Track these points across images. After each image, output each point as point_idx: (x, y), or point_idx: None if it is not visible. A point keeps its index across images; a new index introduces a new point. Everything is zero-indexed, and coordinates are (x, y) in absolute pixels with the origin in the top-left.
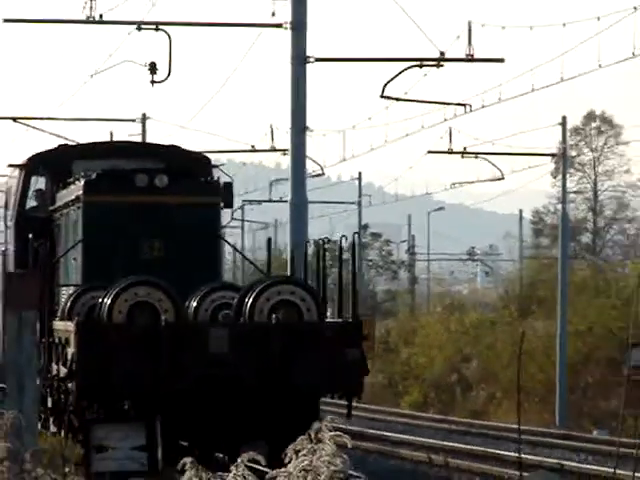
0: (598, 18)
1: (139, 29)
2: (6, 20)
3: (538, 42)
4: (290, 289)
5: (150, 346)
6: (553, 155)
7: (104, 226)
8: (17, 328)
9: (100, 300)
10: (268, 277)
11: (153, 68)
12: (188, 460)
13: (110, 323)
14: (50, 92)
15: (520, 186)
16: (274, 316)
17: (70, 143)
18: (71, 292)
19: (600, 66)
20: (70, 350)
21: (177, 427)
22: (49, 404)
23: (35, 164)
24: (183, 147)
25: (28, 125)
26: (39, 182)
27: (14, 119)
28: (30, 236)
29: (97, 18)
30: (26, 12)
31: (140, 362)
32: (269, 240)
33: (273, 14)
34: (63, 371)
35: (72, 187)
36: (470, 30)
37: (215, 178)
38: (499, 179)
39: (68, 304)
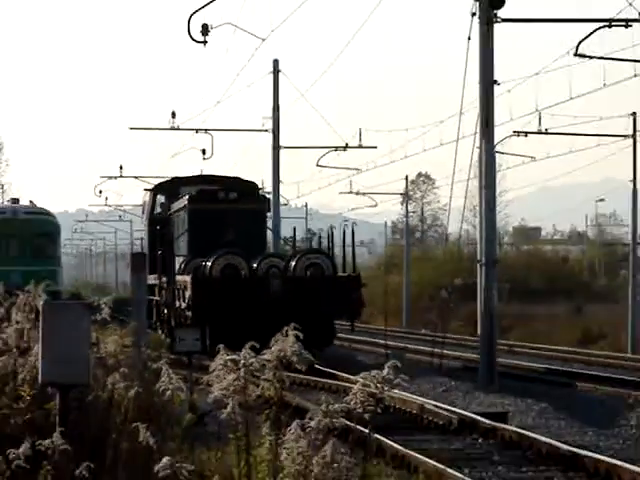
0: None
1: (197, 132)
2: (132, 128)
3: None
4: (317, 256)
5: (234, 290)
6: (402, 194)
7: (200, 222)
8: (137, 282)
9: (203, 263)
10: (303, 249)
11: (204, 152)
12: (221, 346)
13: (210, 277)
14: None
15: (385, 208)
16: (307, 272)
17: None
18: (181, 260)
19: None
20: (187, 293)
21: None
22: (172, 323)
23: (158, 188)
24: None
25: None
26: (161, 199)
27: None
28: (157, 228)
29: (177, 126)
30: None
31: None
32: (294, 229)
33: None
34: (183, 305)
35: (181, 200)
36: None
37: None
38: (375, 205)
39: (182, 266)
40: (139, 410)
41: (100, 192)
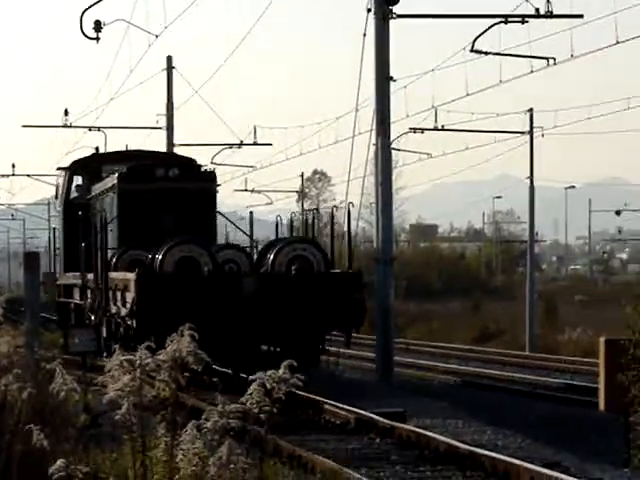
0: None
1: (90, 129)
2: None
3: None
4: (304, 246)
5: (194, 291)
6: (297, 192)
7: (133, 206)
8: (30, 282)
9: (149, 256)
10: (284, 238)
11: (97, 149)
12: (117, 346)
13: (162, 273)
14: None
15: (282, 206)
16: (292, 268)
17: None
18: (111, 253)
19: None
20: (130, 295)
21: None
22: (103, 333)
23: (76, 167)
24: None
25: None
26: (79, 180)
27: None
28: (79, 214)
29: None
30: None
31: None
32: (251, 213)
33: None
34: (124, 311)
35: (107, 179)
36: None
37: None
38: (270, 203)
39: (113, 260)
40: (33, 411)
41: None
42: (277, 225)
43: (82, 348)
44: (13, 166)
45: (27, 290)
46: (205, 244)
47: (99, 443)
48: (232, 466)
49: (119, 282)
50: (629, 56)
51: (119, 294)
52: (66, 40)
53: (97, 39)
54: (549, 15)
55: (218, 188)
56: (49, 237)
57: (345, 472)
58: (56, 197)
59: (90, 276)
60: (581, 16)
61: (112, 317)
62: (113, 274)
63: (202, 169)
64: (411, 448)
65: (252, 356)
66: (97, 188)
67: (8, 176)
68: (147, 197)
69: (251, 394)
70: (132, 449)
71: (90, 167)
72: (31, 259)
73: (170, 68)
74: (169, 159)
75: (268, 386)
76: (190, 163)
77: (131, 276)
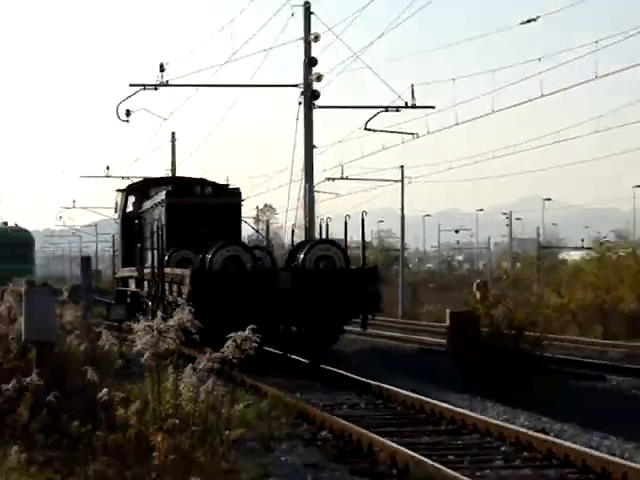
0: None
1: (122, 178)
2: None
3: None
4: (328, 247)
5: (239, 284)
6: (253, 218)
7: (177, 219)
8: (84, 275)
9: (201, 255)
10: (312, 240)
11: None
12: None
13: (211, 270)
14: None
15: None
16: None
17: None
18: (163, 253)
19: None
20: (185, 288)
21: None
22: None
23: (130, 189)
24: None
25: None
26: (132, 199)
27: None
28: (135, 223)
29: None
30: None
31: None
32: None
33: None
34: (180, 300)
35: (156, 196)
36: (412, 88)
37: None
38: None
39: (166, 258)
40: (87, 358)
41: (60, 217)
42: (292, 232)
43: (118, 317)
44: (74, 201)
45: (83, 280)
46: (246, 245)
47: (130, 378)
48: (215, 392)
49: (175, 276)
50: (464, 132)
51: (175, 286)
52: (105, 116)
53: (127, 121)
54: (413, 106)
55: (242, 202)
56: (112, 241)
57: (286, 396)
58: (115, 211)
59: (146, 270)
60: (433, 107)
61: (169, 304)
62: (169, 270)
63: (230, 188)
64: (329, 381)
65: (285, 336)
66: (147, 204)
67: (69, 208)
68: (188, 209)
69: (227, 346)
70: (151, 382)
71: (141, 189)
72: (85, 260)
73: (173, 141)
74: (203, 181)
75: (238, 342)
76: (219, 184)
77: (187, 272)
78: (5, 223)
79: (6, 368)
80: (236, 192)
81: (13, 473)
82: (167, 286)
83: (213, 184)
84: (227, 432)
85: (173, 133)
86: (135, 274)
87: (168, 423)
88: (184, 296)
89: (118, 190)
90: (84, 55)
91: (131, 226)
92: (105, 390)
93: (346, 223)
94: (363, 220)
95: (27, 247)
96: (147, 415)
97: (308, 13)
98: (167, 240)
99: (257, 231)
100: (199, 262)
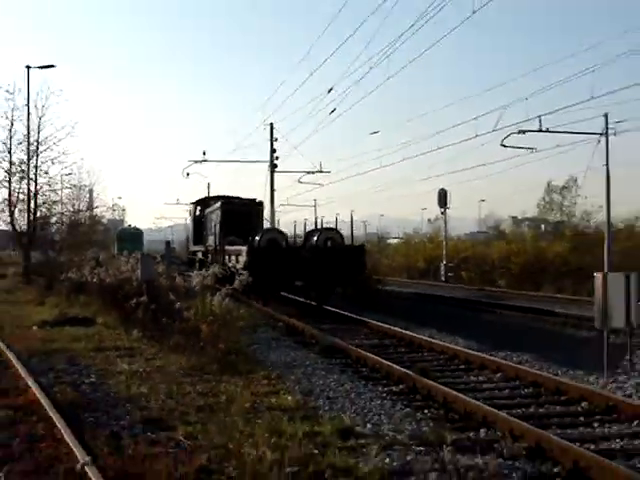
0: None
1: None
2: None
3: None
4: (332, 232)
5: (277, 256)
6: None
7: (228, 218)
8: (166, 250)
9: (251, 238)
10: (321, 228)
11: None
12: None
13: (259, 247)
14: None
15: None
16: (327, 244)
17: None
18: (218, 241)
19: None
20: (242, 258)
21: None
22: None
23: (197, 202)
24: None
25: None
26: (198, 207)
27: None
28: (202, 220)
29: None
30: None
31: (273, 264)
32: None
33: None
34: (239, 266)
35: (215, 205)
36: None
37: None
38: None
39: (220, 241)
40: (169, 287)
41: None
42: (304, 225)
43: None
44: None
45: (165, 252)
46: (282, 231)
47: (191, 298)
48: (231, 306)
49: (233, 251)
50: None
51: (234, 257)
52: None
53: (187, 176)
54: (320, 171)
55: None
56: (186, 236)
57: (262, 307)
58: (189, 214)
59: (209, 247)
60: (329, 172)
61: (228, 269)
62: (229, 247)
63: (256, 200)
64: (314, 315)
65: (302, 288)
66: (207, 211)
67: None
68: (233, 213)
69: (240, 281)
70: (200, 301)
71: (204, 202)
72: (167, 243)
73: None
74: (241, 198)
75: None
76: (251, 199)
77: (244, 248)
78: (129, 225)
79: (132, 293)
80: (259, 203)
81: (135, 341)
82: (227, 257)
83: (248, 199)
84: (235, 323)
85: (208, 183)
86: (202, 249)
87: (207, 319)
88: (240, 264)
89: (191, 203)
90: None
91: (198, 223)
92: (178, 303)
93: (352, 218)
94: (352, 218)
95: (140, 237)
96: (198, 315)
97: (272, 127)
98: (222, 231)
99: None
100: (249, 242)
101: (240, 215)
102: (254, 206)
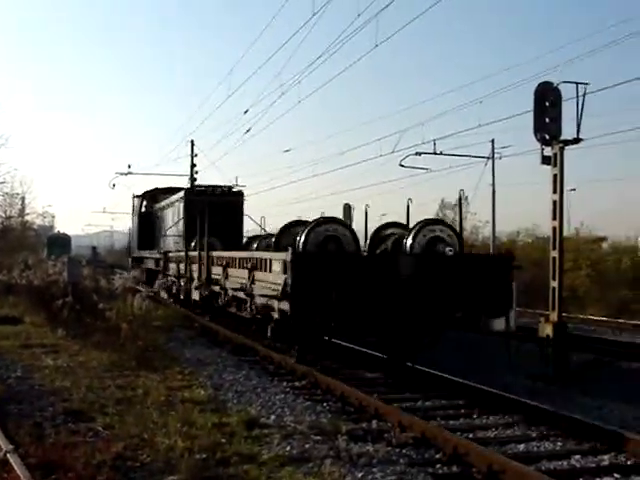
0: None
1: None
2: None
3: None
4: (441, 228)
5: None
6: None
7: (192, 211)
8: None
9: (295, 239)
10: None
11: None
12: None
13: (310, 254)
14: None
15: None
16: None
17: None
18: (176, 240)
19: None
20: (270, 276)
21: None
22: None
23: (144, 195)
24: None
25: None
26: (145, 203)
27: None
28: (157, 218)
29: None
30: None
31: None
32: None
33: None
34: (262, 291)
35: (173, 197)
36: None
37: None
38: None
39: (192, 244)
40: (94, 290)
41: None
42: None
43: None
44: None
45: (92, 256)
46: (346, 223)
47: (112, 299)
48: (149, 307)
49: (232, 261)
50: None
51: (238, 272)
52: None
53: (114, 187)
54: (236, 184)
55: (245, 201)
56: (128, 239)
57: (178, 308)
58: (132, 211)
59: (192, 253)
60: (244, 186)
61: (222, 290)
62: (219, 253)
63: (234, 190)
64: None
65: None
66: (160, 205)
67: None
68: (200, 206)
69: (160, 284)
70: (122, 300)
71: (152, 195)
72: (93, 248)
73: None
74: (213, 186)
75: (170, 282)
76: (228, 186)
77: (278, 255)
78: (59, 231)
79: (59, 294)
80: (238, 193)
81: (60, 339)
82: (216, 270)
83: (221, 187)
84: (153, 322)
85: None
86: (154, 255)
87: (127, 318)
88: (269, 287)
89: (135, 196)
90: None
91: (144, 221)
92: (101, 304)
93: (459, 205)
94: (460, 206)
95: (68, 242)
96: (119, 315)
97: (192, 144)
98: (184, 230)
99: (257, 222)
100: (292, 244)
101: (216, 209)
102: (233, 197)
